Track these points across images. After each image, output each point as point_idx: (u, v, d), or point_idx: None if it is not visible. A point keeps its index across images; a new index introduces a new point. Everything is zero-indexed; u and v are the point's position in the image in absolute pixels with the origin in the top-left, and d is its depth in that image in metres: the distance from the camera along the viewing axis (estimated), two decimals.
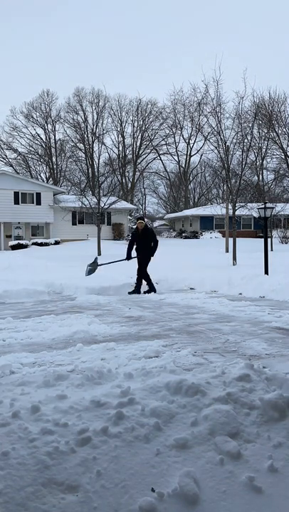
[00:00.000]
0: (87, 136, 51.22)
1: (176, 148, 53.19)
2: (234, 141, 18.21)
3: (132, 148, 52.94)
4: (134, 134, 52.28)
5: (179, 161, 54.19)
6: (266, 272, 10.83)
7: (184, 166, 54.18)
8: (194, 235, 37.79)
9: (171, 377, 2.69)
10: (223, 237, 31.61)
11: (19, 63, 79.38)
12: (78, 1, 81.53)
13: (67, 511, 1.73)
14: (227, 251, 24.09)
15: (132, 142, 52.66)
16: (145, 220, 10.23)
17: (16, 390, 2.69)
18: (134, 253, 10.21)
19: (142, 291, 9.96)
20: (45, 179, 52.19)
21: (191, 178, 56.45)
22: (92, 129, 50.91)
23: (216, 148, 18.96)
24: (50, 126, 52.21)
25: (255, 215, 16.23)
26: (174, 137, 52.77)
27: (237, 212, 18.19)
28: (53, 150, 52.76)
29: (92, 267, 11.39)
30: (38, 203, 33.15)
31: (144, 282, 10.08)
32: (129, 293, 9.89)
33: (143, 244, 10.00)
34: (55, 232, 33.66)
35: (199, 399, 2.45)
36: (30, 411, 2.29)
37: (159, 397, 2.49)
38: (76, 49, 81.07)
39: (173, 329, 5.24)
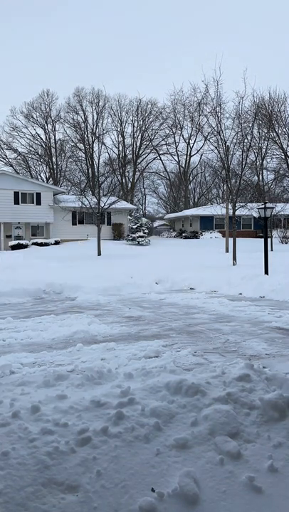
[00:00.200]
0: (87, 136, 51.23)
1: (176, 148, 53.18)
2: (234, 141, 18.20)
3: (132, 148, 52.94)
4: (134, 134, 52.28)
5: (179, 161, 54.19)
6: (266, 272, 10.82)
7: (183, 166, 54.18)
8: (194, 235, 37.77)
9: (171, 377, 2.69)
10: (223, 237, 31.61)
11: (19, 63, 79.39)
12: (78, 1, 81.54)
13: (67, 511, 1.73)
14: (227, 251, 24.09)
15: (132, 142, 52.66)
16: None
17: (16, 390, 2.69)
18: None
19: None
20: (45, 179, 52.18)
21: (191, 178, 56.43)
22: (92, 129, 50.92)
23: (216, 148, 18.96)
24: (50, 126, 52.22)
25: (255, 215, 16.23)
26: (174, 137, 52.77)
27: (237, 212, 18.18)
28: (53, 150, 52.76)
29: None
30: (38, 203, 33.14)
31: None
32: None
33: None
34: (55, 232, 33.66)
35: (199, 399, 2.45)
36: (30, 411, 2.28)
37: (159, 397, 2.49)
38: (76, 49, 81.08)
39: (173, 329, 5.24)
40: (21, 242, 30.26)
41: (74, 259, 20.85)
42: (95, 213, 28.03)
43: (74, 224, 34.95)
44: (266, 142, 42.59)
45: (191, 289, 10.70)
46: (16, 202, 32.75)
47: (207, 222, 38.92)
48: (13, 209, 32.53)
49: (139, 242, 32.24)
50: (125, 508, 1.76)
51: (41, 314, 6.56)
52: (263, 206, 11.62)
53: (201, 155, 51.85)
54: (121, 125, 52.23)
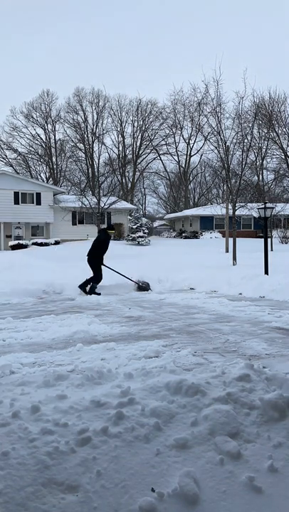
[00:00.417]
0: (87, 136, 51.23)
1: (176, 148, 53.19)
2: (234, 141, 18.19)
3: (132, 148, 52.95)
4: (134, 134, 52.29)
5: (179, 161, 54.20)
6: (266, 272, 10.83)
7: (183, 166, 54.18)
8: (194, 235, 37.79)
9: (171, 377, 2.69)
10: (223, 237, 31.61)
11: (19, 63, 79.41)
12: (79, 1, 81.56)
13: (67, 511, 1.73)
14: (227, 251, 24.10)
15: (132, 142, 52.66)
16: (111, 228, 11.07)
17: (16, 390, 2.69)
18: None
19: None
20: (45, 179, 52.18)
21: (191, 178, 56.43)
22: (92, 129, 50.92)
23: (216, 148, 18.95)
24: (50, 126, 52.22)
25: (255, 215, 16.22)
26: (174, 137, 52.77)
27: (237, 212, 18.18)
28: (53, 150, 52.76)
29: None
30: (38, 203, 33.15)
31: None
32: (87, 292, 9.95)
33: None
34: (55, 232, 33.67)
35: (199, 399, 2.45)
36: (30, 411, 2.29)
37: (159, 397, 2.49)
38: (76, 49, 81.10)
39: (173, 329, 5.24)
40: (21, 242, 30.26)
41: (74, 259, 20.84)
42: (94, 213, 28.04)
43: (74, 224, 34.95)
44: (266, 142, 42.60)
45: (191, 289, 10.71)
46: (16, 202, 32.75)
47: (207, 222, 38.92)
48: (13, 209, 32.53)
49: (139, 242, 32.25)
50: (125, 508, 1.76)
51: (41, 314, 6.57)
52: (263, 206, 11.62)
53: (201, 155, 51.87)
54: (121, 125, 52.23)
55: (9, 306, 8.03)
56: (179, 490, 1.83)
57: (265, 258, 11.15)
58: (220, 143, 18.11)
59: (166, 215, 49.81)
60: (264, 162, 43.65)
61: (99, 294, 9.85)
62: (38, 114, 51.64)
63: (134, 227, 33.21)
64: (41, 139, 52.63)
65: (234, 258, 17.17)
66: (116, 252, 25.49)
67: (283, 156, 41.65)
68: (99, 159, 45.94)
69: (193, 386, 2.53)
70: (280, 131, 41.07)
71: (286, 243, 32.06)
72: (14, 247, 29.17)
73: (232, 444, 2.13)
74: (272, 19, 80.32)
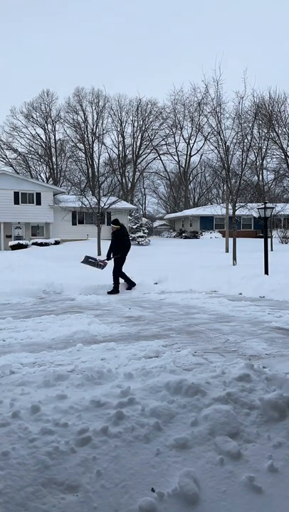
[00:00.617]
0: (87, 136, 51.22)
1: (176, 148, 53.19)
2: (234, 141, 18.19)
3: (132, 148, 52.93)
4: (134, 134, 52.28)
5: (179, 161, 54.19)
6: (266, 272, 10.82)
7: (183, 166, 54.18)
8: (194, 235, 37.78)
9: (171, 377, 2.69)
10: (223, 237, 31.61)
11: (19, 63, 79.41)
12: (79, 2, 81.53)
13: (67, 511, 1.73)
14: (227, 251, 24.09)
15: (132, 142, 52.65)
16: (119, 222, 10.79)
17: (16, 390, 2.69)
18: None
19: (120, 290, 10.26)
20: (45, 179, 52.17)
21: (191, 178, 56.43)
22: (92, 129, 50.90)
23: (216, 148, 18.94)
24: (50, 126, 52.21)
25: (255, 215, 16.23)
26: (174, 137, 52.78)
27: (237, 212, 18.17)
28: (53, 150, 52.75)
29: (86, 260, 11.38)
30: (38, 203, 33.14)
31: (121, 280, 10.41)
32: (109, 293, 10.05)
33: (116, 245, 10.45)
34: (55, 232, 33.66)
35: (199, 399, 2.45)
36: (30, 411, 2.29)
37: (159, 397, 2.49)
38: (76, 49, 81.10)
39: (173, 329, 5.24)
40: (21, 242, 30.26)
41: (74, 259, 20.84)
42: (94, 213, 28.02)
43: (74, 224, 34.94)
44: (266, 142, 42.60)
45: (190, 289, 10.70)
46: (16, 202, 32.74)
47: (207, 222, 38.93)
48: (13, 209, 32.52)
49: (139, 242, 32.25)
50: (125, 508, 1.76)
51: (41, 314, 6.57)
52: (263, 206, 11.62)
53: (201, 155, 51.88)
54: (121, 125, 52.22)
55: (9, 306, 8.03)
56: (179, 490, 1.83)
57: (265, 258, 11.15)
58: (220, 143, 18.11)
59: (166, 215, 49.81)
60: (264, 162, 43.67)
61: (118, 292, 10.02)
62: (38, 114, 51.65)
63: (134, 227, 33.21)
64: (41, 139, 52.64)
65: (234, 258, 17.17)
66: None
67: (283, 156, 41.64)
68: (99, 159, 45.94)
69: (193, 386, 2.53)
70: (280, 131, 41.08)
71: (286, 243, 32.06)
72: (14, 247, 29.17)
73: (232, 444, 2.13)
74: (272, 19, 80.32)
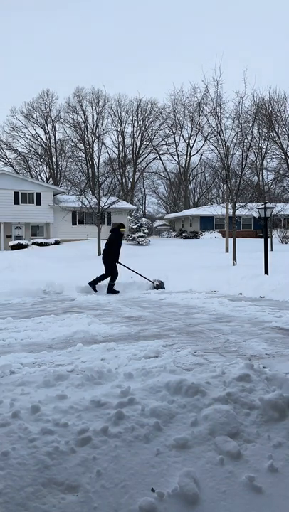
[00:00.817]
0: (87, 136, 51.21)
1: (176, 148, 53.18)
2: (234, 141, 18.20)
3: (132, 148, 52.93)
4: (134, 134, 52.27)
5: (179, 161, 54.19)
6: (266, 272, 10.82)
7: (183, 166, 54.17)
8: (194, 235, 37.78)
9: (171, 377, 2.69)
10: (223, 237, 31.60)
11: (19, 63, 79.41)
12: (79, 2, 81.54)
13: (67, 511, 1.73)
14: (227, 251, 24.10)
15: (132, 142, 52.65)
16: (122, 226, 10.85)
17: (16, 390, 2.69)
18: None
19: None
20: (45, 179, 52.17)
21: (191, 178, 56.42)
22: (92, 129, 50.90)
23: (216, 148, 18.96)
24: (50, 126, 52.20)
25: (255, 215, 16.22)
26: (174, 137, 52.77)
27: (237, 212, 18.18)
28: (53, 150, 52.75)
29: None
30: (38, 203, 33.15)
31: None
32: (108, 292, 10.09)
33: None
34: (55, 232, 33.67)
35: (199, 399, 2.45)
36: (30, 411, 2.29)
37: (159, 397, 2.49)
38: (76, 49, 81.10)
39: (173, 329, 5.24)
40: (21, 242, 30.27)
41: (74, 259, 20.85)
42: (94, 213, 28.03)
43: (74, 224, 34.95)
44: (266, 142, 42.59)
45: (190, 289, 10.70)
46: (16, 202, 32.75)
47: (207, 222, 38.92)
48: (13, 209, 32.52)
49: (139, 242, 32.24)
50: (125, 508, 1.76)
51: (41, 314, 6.57)
52: (263, 206, 11.62)
53: (201, 155, 51.88)
54: (121, 125, 52.22)
55: (9, 306, 8.03)
56: (179, 490, 1.83)
57: (265, 258, 11.15)
58: (220, 143, 18.12)
59: (166, 215, 49.80)
60: (264, 162, 43.66)
61: (117, 292, 9.93)
62: (38, 114, 51.65)
63: (134, 227, 33.20)
64: (41, 139, 52.64)
65: (234, 258, 17.18)
66: None
67: (283, 156, 41.64)
68: (99, 159, 45.95)
69: (193, 386, 2.53)
70: (280, 131, 41.07)
71: (286, 243, 32.06)
72: (14, 247, 29.17)
73: (232, 444, 2.13)
74: (273, 19, 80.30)
